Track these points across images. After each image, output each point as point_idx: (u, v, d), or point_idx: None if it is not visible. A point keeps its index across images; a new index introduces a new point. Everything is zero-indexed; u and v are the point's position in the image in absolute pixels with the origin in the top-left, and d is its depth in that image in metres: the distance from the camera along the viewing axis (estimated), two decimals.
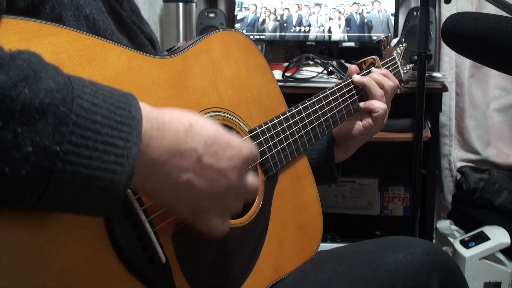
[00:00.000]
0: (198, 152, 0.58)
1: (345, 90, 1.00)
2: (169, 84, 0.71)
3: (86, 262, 0.55)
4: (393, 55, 1.15)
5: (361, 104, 1.02)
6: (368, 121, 1.02)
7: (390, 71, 1.11)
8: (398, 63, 1.16)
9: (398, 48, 1.18)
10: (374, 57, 1.08)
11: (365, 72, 1.05)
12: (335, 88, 0.98)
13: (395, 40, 1.19)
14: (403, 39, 1.23)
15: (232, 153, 0.61)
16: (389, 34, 1.14)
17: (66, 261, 0.53)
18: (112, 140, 0.49)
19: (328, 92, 0.97)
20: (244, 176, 0.63)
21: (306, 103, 0.92)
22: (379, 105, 1.01)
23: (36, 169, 0.46)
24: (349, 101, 1.00)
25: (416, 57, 1.48)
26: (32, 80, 0.46)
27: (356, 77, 1.02)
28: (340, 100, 0.98)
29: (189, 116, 0.59)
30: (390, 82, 1.04)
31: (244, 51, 0.86)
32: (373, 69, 1.06)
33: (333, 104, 0.97)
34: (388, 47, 1.16)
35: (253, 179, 0.65)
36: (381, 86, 1.02)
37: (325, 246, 0.92)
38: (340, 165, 1.10)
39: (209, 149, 0.59)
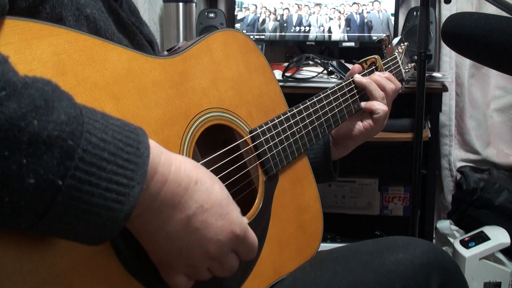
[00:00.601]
0: (190, 210, 0.57)
1: (346, 89, 1.00)
2: (170, 84, 0.71)
3: (86, 263, 0.55)
4: (394, 54, 1.15)
5: (362, 104, 1.02)
6: (368, 122, 1.02)
7: (391, 70, 1.12)
8: (400, 62, 1.16)
9: (400, 47, 1.18)
10: (376, 56, 1.08)
11: (366, 71, 1.05)
12: (336, 87, 0.98)
13: (396, 39, 1.19)
14: (404, 38, 1.23)
15: (222, 226, 0.59)
16: (388, 33, 1.14)
17: (66, 263, 0.53)
18: (116, 177, 0.49)
19: (329, 91, 0.97)
20: (226, 254, 0.62)
21: (306, 102, 0.92)
22: (380, 106, 1.01)
23: (36, 201, 0.45)
24: (350, 101, 1.00)
25: (416, 57, 1.48)
26: (42, 111, 0.45)
27: (358, 78, 1.02)
28: (341, 99, 0.98)
29: (200, 173, 0.58)
30: (392, 84, 1.04)
31: (244, 51, 0.86)
32: (376, 73, 1.06)
33: (334, 104, 0.97)
34: (389, 46, 1.16)
35: (233, 261, 0.63)
36: (383, 88, 1.02)
37: (325, 246, 0.92)
38: (338, 163, 1.10)
39: (202, 213, 0.58)
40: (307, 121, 0.91)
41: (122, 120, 0.53)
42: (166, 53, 0.79)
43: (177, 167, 0.56)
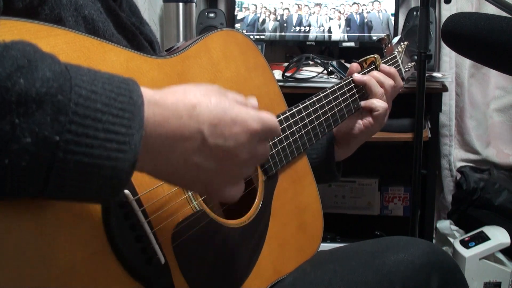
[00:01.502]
0: (203, 134, 0.56)
1: (345, 89, 1.00)
2: (168, 84, 0.70)
3: (85, 263, 0.55)
4: (394, 53, 1.15)
5: (362, 103, 1.02)
6: (368, 120, 1.02)
7: None
8: (399, 61, 1.16)
9: (400, 46, 1.18)
10: (375, 55, 1.08)
11: (366, 70, 1.05)
12: (336, 87, 0.98)
13: (396, 39, 1.19)
14: (404, 38, 1.23)
15: (238, 130, 0.59)
16: (388, 32, 1.14)
17: (64, 263, 0.53)
18: (113, 127, 0.49)
19: (329, 91, 0.96)
20: (255, 149, 0.61)
21: (306, 102, 0.92)
22: (379, 104, 1.01)
23: (37, 160, 0.45)
24: (349, 100, 1.00)
25: (416, 57, 1.48)
26: (27, 70, 0.45)
27: (357, 76, 1.02)
28: (340, 99, 0.98)
29: (193, 96, 0.57)
30: (391, 81, 1.04)
31: (243, 50, 0.86)
32: (381, 65, 1.05)
33: (334, 103, 0.97)
34: (389, 45, 1.15)
35: (264, 149, 0.63)
36: (382, 84, 1.02)
37: (325, 246, 0.92)
38: (341, 163, 1.10)
39: (214, 129, 0.57)
40: (307, 120, 0.91)
41: (110, 72, 0.52)
42: (165, 53, 0.78)
43: (173, 101, 0.55)
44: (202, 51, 0.78)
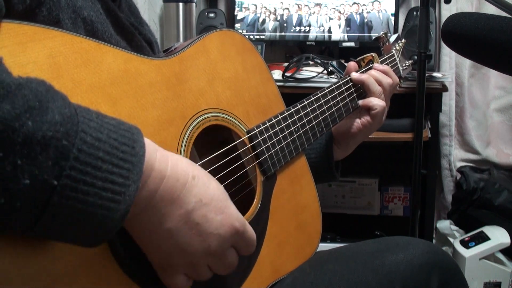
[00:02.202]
0: (189, 205, 0.57)
1: (343, 88, 1.00)
2: (166, 85, 0.70)
3: (84, 267, 0.55)
4: (392, 52, 1.15)
5: (360, 102, 1.02)
6: (366, 118, 1.02)
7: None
8: (397, 60, 1.16)
9: (397, 45, 1.18)
10: (373, 54, 1.08)
11: (364, 69, 1.05)
12: (334, 86, 0.98)
13: (393, 37, 1.19)
14: (401, 36, 1.23)
15: (222, 220, 0.59)
16: (388, 31, 1.13)
17: (64, 267, 0.53)
18: (111, 177, 0.49)
19: (327, 90, 0.96)
20: (226, 249, 0.61)
21: (304, 102, 0.92)
22: (377, 102, 1.01)
23: (32, 202, 0.45)
24: (347, 99, 1.00)
25: (416, 57, 1.48)
26: (37, 112, 0.45)
27: (355, 75, 1.02)
28: (338, 98, 0.98)
29: (196, 169, 0.58)
30: (389, 79, 1.04)
31: (241, 50, 0.86)
32: (374, 64, 1.06)
33: (332, 103, 0.97)
34: (386, 44, 1.15)
35: (233, 257, 0.63)
36: (379, 83, 1.02)
37: (325, 246, 0.92)
38: (340, 163, 1.10)
39: (201, 207, 0.58)
40: (305, 120, 0.91)
41: (117, 119, 0.52)
42: (162, 54, 0.78)
43: (174, 164, 0.56)
44: (199, 51, 0.78)
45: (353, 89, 1.01)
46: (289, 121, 0.88)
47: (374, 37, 1.95)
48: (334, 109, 0.97)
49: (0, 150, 0.43)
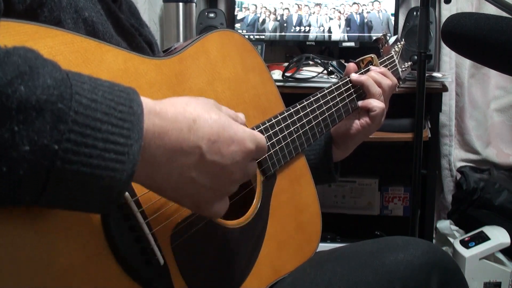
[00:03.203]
0: (201, 149, 0.57)
1: (343, 89, 1.00)
2: (166, 85, 0.70)
3: (84, 264, 0.55)
4: (391, 53, 1.15)
5: (359, 103, 1.02)
6: (365, 120, 1.02)
7: (388, 69, 1.11)
8: (396, 61, 1.16)
9: (396, 46, 1.18)
10: (372, 55, 1.08)
11: (363, 70, 1.05)
12: (333, 87, 0.98)
13: (393, 38, 1.19)
14: (401, 37, 1.23)
15: (235, 149, 0.60)
16: (387, 33, 1.14)
17: (63, 264, 0.53)
18: (112, 137, 0.48)
19: (326, 91, 0.97)
20: (247, 168, 0.63)
21: (304, 102, 0.92)
22: (376, 103, 1.01)
23: (35, 168, 0.45)
24: (347, 100, 1.00)
25: (416, 57, 1.48)
26: (28, 77, 0.44)
27: (354, 76, 1.02)
28: (338, 99, 0.98)
29: (193, 109, 0.58)
30: (388, 80, 1.04)
31: (241, 51, 0.86)
32: (371, 67, 1.06)
33: (331, 103, 0.97)
34: (386, 45, 1.16)
35: (254, 168, 0.65)
36: (379, 84, 1.02)
37: (325, 246, 0.92)
38: (339, 164, 1.10)
39: (212, 145, 0.58)
40: (304, 120, 0.91)
41: (111, 81, 0.52)
42: (162, 53, 0.78)
43: (173, 114, 0.55)
44: (199, 51, 0.78)
45: (352, 90, 1.01)
46: (289, 121, 0.88)
47: (373, 38, 1.95)
48: (333, 109, 0.97)
49: None
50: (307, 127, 0.91)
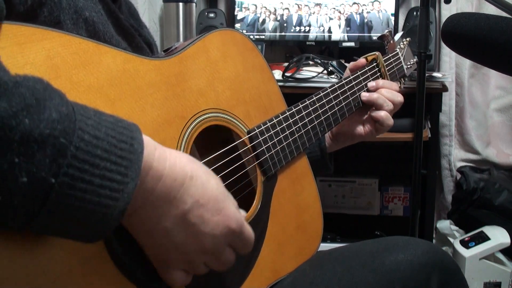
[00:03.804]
0: (186, 206, 0.57)
1: (346, 87, 1.00)
2: (166, 85, 0.70)
3: (82, 268, 0.55)
4: (396, 50, 1.15)
5: (372, 114, 1.02)
6: (370, 129, 1.03)
7: (392, 66, 1.11)
8: (401, 58, 1.15)
9: (402, 43, 1.18)
10: (377, 53, 1.08)
11: (367, 68, 1.05)
12: (336, 85, 0.98)
13: (398, 35, 1.19)
14: (406, 34, 1.22)
15: (218, 221, 0.59)
16: (392, 30, 1.13)
17: (61, 268, 0.53)
18: (109, 174, 0.49)
19: (329, 90, 0.96)
20: (222, 248, 0.62)
21: (306, 101, 0.92)
22: (388, 122, 1.01)
23: (29, 200, 0.45)
24: (350, 98, 1.00)
25: (416, 57, 1.47)
26: (34, 110, 0.45)
27: (365, 96, 1.01)
28: (341, 97, 0.98)
29: (195, 168, 0.58)
30: (400, 97, 1.04)
31: (242, 50, 0.86)
32: (380, 81, 1.05)
33: (334, 102, 0.96)
34: (391, 42, 1.15)
35: (229, 256, 0.64)
36: (392, 101, 1.02)
37: (325, 246, 0.92)
38: (332, 154, 1.10)
39: (198, 208, 0.58)
40: (306, 120, 0.91)
41: (115, 116, 0.52)
42: (163, 53, 0.78)
43: (172, 163, 0.56)
44: (200, 51, 0.78)
45: (356, 88, 1.01)
46: (290, 121, 0.88)
47: (378, 36, 1.95)
48: (336, 108, 0.97)
49: None
50: (309, 127, 0.91)
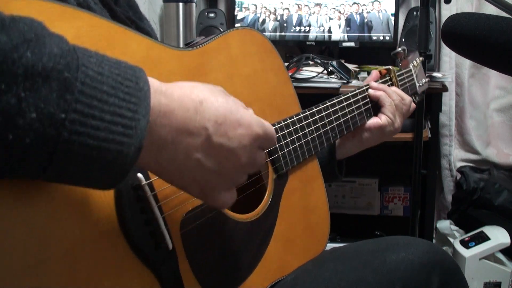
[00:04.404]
0: (208, 131, 0.56)
1: (359, 97, 1.01)
2: (186, 75, 0.71)
3: (94, 241, 0.55)
4: (409, 67, 1.17)
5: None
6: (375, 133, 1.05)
7: (405, 82, 1.13)
8: (414, 75, 1.17)
9: (415, 61, 1.20)
10: (390, 67, 1.10)
11: (380, 81, 1.07)
12: (350, 94, 1.00)
13: (412, 54, 1.21)
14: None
15: (242, 132, 0.59)
16: (406, 48, 1.14)
17: (73, 239, 0.53)
18: (119, 110, 0.47)
19: (343, 97, 0.98)
20: (255, 154, 0.62)
21: (320, 106, 0.93)
22: (385, 116, 1.03)
23: (41, 138, 0.44)
24: (362, 109, 1.02)
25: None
26: (34, 44, 0.43)
27: (372, 89, 1.03)
28: (354, 106, 1.00)
29: (200, 92, 0.57)
30: (399, 97, 1.06)
31: (261, 50, 0.87)
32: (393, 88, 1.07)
33: (346, 110, 0.98)
34: (404, 59, 1.17)
35: (262, 157, 0.64)
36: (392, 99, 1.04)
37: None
38: (343, 163, 1.10)
39: (219, 128, 0.57)
40: (319, 124, 0.92)
41: (117, 58, 0.51)
42: (184, 46, 0.79)
43: (180, 95, 0.55)
44: (221, 46, 0.79)
45: (368, 99, 1.03)
46: (304, 123, 0.89)
47: (376, 39, 1.96)
48: (348, 116, 0.98)
49: (1, 82, 0.42)
50: (321, 131, 0.93)
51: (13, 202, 0.48)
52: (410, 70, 1.16)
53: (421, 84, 1.20)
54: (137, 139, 0.49)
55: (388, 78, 1.09)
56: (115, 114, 0.47)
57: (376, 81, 1.06)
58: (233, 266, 0.75)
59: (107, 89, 0.47)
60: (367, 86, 1.04)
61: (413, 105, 1.10)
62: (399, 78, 1.11)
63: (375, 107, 1.04)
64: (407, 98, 1.07)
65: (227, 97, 0.60)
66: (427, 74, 1.54)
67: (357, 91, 1.01)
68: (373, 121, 1.03)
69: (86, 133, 0.45)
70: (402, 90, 1.11)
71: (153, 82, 0.53)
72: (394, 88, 1.07)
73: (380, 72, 1.10)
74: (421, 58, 1.22)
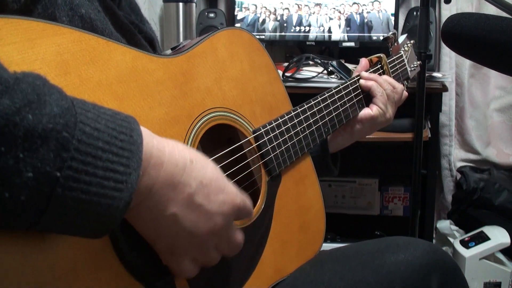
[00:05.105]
0: (191, 188, 0.57)
1: (350, 88, 1.00)
2: (174, 84, 0.70)
3: (87, 265, 0.55)
4: (400, 52, 1.15)
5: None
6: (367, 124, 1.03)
7: (396, 68, 1.12)
8: (405, 60, 1.16)
9: (406, 45, 1.18)
10: (381, 55, 1.08)
11: (372, 70, 1.05)
12: (341, 86, 0.98)
13: (402, 37, 1.19)
14: (410, 36, 1.23)
15: (224, 199, 0.60)
16: (396, 32, 1.13)
17: (67, 264, 0.53)
18: (112, 166, 0.49)
19: (334, 90, 0.96)
20: (231, 226, 0.62)
21: (311, 102, 0.92)
22: (376, 106, 1.02)
23: (36, 194, 0.45)
24: (354, 100, 1.00)
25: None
26: (36, 105, 0.45)
27: (364, 79, 1.02)
28: (345, 98, 0.98)
29: (192, 153, 0.59)
30: (397, 95, 1.06)
31: (249, 49, 0.86)
32: (384, 77, 1.06)
33: (339, 103, 0.97)
34: (395, 44, 1.15)
35: (239, 235, 0.64)
36: (384, 88, 1.04)
37: (325, 246, 0.92)
38: (338, 157, 1.10)
39: (203, 188, 0.58)
40: (311, 120, 0.91)
41: (112, 109, 0.53)
42: (170, 51, 0.78)
43: (171, 150, 0.57)
44: (207, 50, 0.78)
45: (360, 90, 1.02)
46: (295, 121, 0.88)
47: (376, 38, 1.95)
48: (341, 109, 0.97)
49: (2, 144, 0.43)
50: (313, 127, 0.91)
51: (3, 234, 0.48)
52: (402, 56, 1.15)
53: (412, 68, 1.19)
54: (127, 193, 0.50)
55: (379, 66, 1.07)
56: (108, 169, 0.49)
57: (367, 70, 1.05)
58: (230, 274, 0.75)
59: (102, 145, 0.49)
60: (358, 77, 1.03)
61: (405, 93, 1.09)
62: (390, 65, 1.10)
63: (367, 97, 1.03)
64: (399, 86, 1.06)
65: (216, 167, 0.62)
66: (427, 74, 1.54)
67: (348, 82, 1.00)
68: (364, 112, 1.02)
69: (79, 188, 0.47)
70: (394, 77, 1.10)
71: (146, 134, 0.54)
72: (385, 76, 1.05)
73: (371, 60, 1.09)
74: (412, 41, 1.21)
